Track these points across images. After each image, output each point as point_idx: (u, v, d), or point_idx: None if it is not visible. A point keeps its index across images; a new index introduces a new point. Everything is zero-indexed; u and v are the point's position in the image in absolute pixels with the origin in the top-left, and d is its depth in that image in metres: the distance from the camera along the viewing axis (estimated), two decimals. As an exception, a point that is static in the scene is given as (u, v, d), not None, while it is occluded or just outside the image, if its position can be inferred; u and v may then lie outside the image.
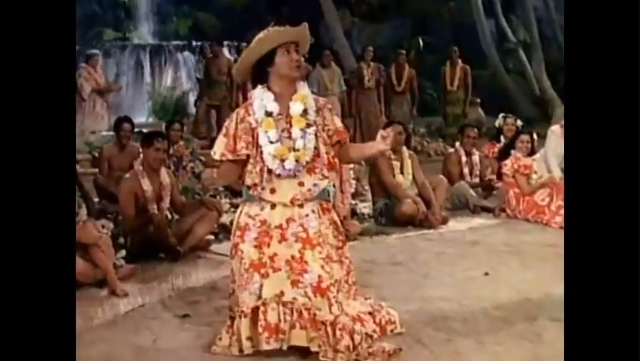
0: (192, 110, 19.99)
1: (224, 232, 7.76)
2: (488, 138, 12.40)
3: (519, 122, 11.30)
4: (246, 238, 4.51)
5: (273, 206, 4.52)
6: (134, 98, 20.96)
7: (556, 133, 10.05)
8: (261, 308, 4.35)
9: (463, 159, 10.20)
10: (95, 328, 5.15)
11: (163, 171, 7.39)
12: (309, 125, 4.53)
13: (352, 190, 8.78)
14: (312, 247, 4.44)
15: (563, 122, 9.86)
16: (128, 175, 7.40)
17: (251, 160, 4.55)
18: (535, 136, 9.87)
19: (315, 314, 4.31)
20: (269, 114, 4.51)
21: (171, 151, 9.32)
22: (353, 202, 8.97)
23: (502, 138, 11.11)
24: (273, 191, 4.51)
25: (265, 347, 4.32)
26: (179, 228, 7.22)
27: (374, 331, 4.62)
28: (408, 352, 4.47)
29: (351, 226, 7.99)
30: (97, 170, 10.16)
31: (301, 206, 4.51)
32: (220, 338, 4.53)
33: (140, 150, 7.68)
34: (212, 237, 7.58)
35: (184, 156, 10.31)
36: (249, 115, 4.57)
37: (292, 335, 4.34)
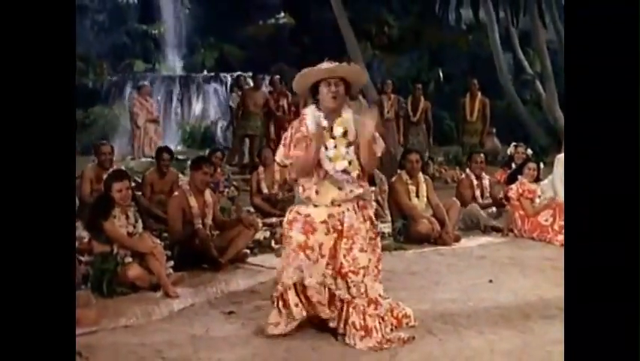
0: (220, 139, 20.81)
1: (258, 246, 8.75)
2: (500, 165, 13.20)
3: (529, 151, 12.08)
4: (294, 227, 5.34)
5: (316, 207, 5.35)
6: (164, 127, 21.08)
7: (562, 160, 10.88)
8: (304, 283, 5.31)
9: (475, 182, 11.01)
10: (153, 322, 6.04)
11: (207, 191, 8.29)
12: (349, 145, 5.35)
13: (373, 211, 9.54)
14: (341, 238, 5.30)
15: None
16: (176, 193, 8.34)
17: (298, 167, 5.42)
18: (542, 165, 10.69)
19: (334, 294, 5.33)
20: (323, 128, 5.34)
21: (211, 177, 10.16)
22: (374, 223, 9.73)
23: (513, 165, 11.87)
24: (317, 192, 5.34)
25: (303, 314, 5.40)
26: (219, 242, 8.07)
27: (392, 323, 5.53)
28: (420, 340, 5.36)
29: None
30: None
31: (339, 205, 5.34)
32: (269, 321, 5.49)
33: (184, 172, 8.57)
34: (248, 251, 8.44)
35: (220, 182, 11.16)
36: (303, 127, 5.39)
37: (319, 309, 5.40)
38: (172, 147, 18.58)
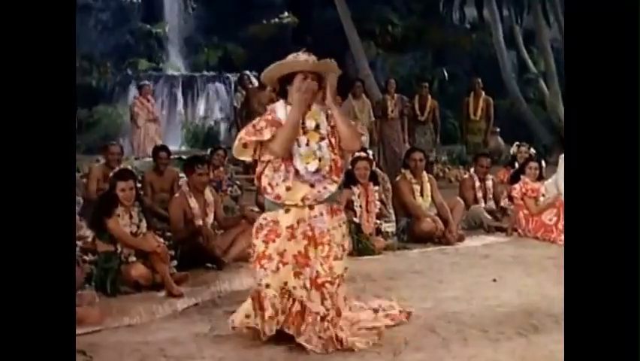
0: (223, 138, 20.77)
1: (262, 245, 8.70)
2: (503, 165, 13.20)
3: (532, 150, 12.08)
4: (258, 236, 5.15)
5: (287, 210, 5.09)
6: (167, 127, 21.12)
7: (567, 160, 10.90)
8: (262, 294, 5.09)
9: (477, 184, 11.04)
10: (157, 320, 6.05)
11: (207, 191, 8.32)
12: (322, 139, 5.13)
13: (377, 210, 9.53)
14: (315, 245, 5.09)
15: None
16: (177, 195, 8.40)
17: (273, 162, 5.12)
18: (544, 163, 10.70)
19: (306, 306, 5.05)
20: None
21: (211, 176, 10.14)
22: (378, 222, 9.70)
23: (516, 164, 11.87)
24: (288, 189, 5.07)
25: (266, 328, 5.09)
26: (223, 241, 8.11)
27: (383, 323, 5.53)
28: (423, 338, 5.35)
29: (377, 242, 8.86)
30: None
31: (311, 208, 5.10)
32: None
33: (181, 173, 8.60)
34: (251, 250, 8.41)
35: (223, 181, 11.15)
36: (271, 115, 5.17)
37: (285, 321, 5.09)
38: (176, 147, 18.76)
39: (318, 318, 5.05)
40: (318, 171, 5.09)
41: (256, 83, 17.42)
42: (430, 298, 6.52)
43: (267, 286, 5.08)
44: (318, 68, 5.18)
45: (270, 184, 5.15)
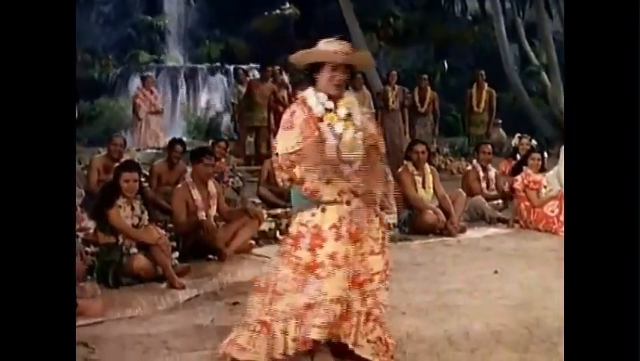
0: (225, 130, 20.77)
1: (264, 237, 8.78)
2: (505, 157, 13.22)
3: (533, 142, 12.09)
4: (301, 245, 4.60)
5: (324, 209, 4.61)
6: (170, 119, 21.21)
7: (568, 152, 10.91)
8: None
9: (481, 174, 11.08)
10: (159, 312, 6.07)
11: (210, 183, 8.29)
12: (356, 131, 4.65)
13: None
14: (353, 242, 4.60)
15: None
16: (180, 186, 8.38)
17: (310, 154, 4.58)
18: (545, 155, 10.71)
19: (350, 305, 4.55)
20: (329, 110, 4.66)
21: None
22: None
23: (518, 156, 11.89)
24: (328, 182, 4.58)
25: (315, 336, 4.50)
26: (225, 233, 8.09)
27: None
28: (424, 330, 5.36)
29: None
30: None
31: (348, 203, 4.62)
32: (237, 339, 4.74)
33: (189, 164, 8.61)
34: (253, 242, 8.46)
35: (225, 172, 11.15)
36: (305, 108, 4.66)
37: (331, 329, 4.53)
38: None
39: (362, 318, 4.62)
40: (351, 163, 4.65)
41: (257, 76, 17.46)
42: (432, 290, 6.53)
43: (325, 294, 4.51)
44: (348, 61, 4.73)
45: (302, 178, 4.66)
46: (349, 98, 4.77)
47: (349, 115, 4.69)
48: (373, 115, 4.85)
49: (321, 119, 4.64)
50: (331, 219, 4.59)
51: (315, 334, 4.48)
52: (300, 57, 4.75)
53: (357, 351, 4.59)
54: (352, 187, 4.64)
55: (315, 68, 4.72)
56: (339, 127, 4.63)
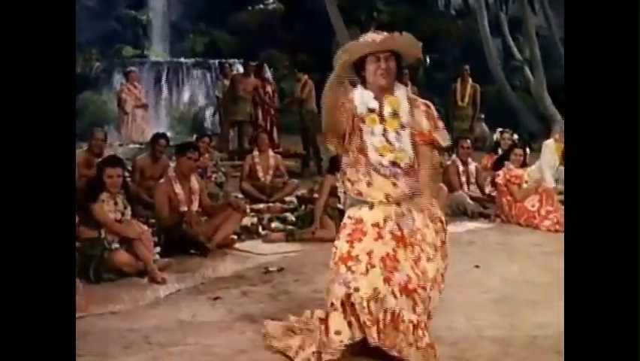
0: (209, 125, 20.75)
1: (246, 232, 8.77)
2: (487, 151, 13.24)
3: (515, 137, 12.14)
4: (341, 235, 4.57)
5: (372, 207, 4.56)
6: (153, 114, 20.81)
7: (549, 146, 10.98)
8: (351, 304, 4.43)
9: (461, 168, 11.06)
10: (140, 308, 6.03)
11: (193, 177, 8.28)
12: (403, 127, 4.57)
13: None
14: (404, 245, 4.52)
15: (557, 137, 10.79)
16: (162, 180, 8.37)
17: (351, 156, 4.62)
18: (528, 150, 10.75)
19: (399, 314, 4.44)
20: (371, 110, 4.57)
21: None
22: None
23: (499, 151, 11.94)
24: (369, 184, 4.56)
25: (357, 337, 4.48)
26: (207, 227, 8.06)
27: None
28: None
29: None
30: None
31: (398, 204, 4.56)
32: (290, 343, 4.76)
33: (173, 159, 8.59)
34: (235, 237, 8.44)
35: (208, 168, 11.14)
36: (349, 104, 4.58)
37: (367, 332, 4.45)
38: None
39: (411, 327, 4.47)
40: (396, 164, 4.55)
41: (241, 70, 17.42)
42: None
43: (357, 290, 4.41)
44: (386, 46, 4.57)
45: (349, 180, 4.65)
46: (398, 93, 4.65)
47: (395, 114, 4.59)
48: (432, 109, 4.74)
49: (363, 120, 4.59)
50: (376, 218, 4.53)
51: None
52: (340, 57, 4.49)
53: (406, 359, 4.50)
54: (400, 192, 4.56)
55: (361, 66, 4.60)
56: (378, 129, 4.56)
